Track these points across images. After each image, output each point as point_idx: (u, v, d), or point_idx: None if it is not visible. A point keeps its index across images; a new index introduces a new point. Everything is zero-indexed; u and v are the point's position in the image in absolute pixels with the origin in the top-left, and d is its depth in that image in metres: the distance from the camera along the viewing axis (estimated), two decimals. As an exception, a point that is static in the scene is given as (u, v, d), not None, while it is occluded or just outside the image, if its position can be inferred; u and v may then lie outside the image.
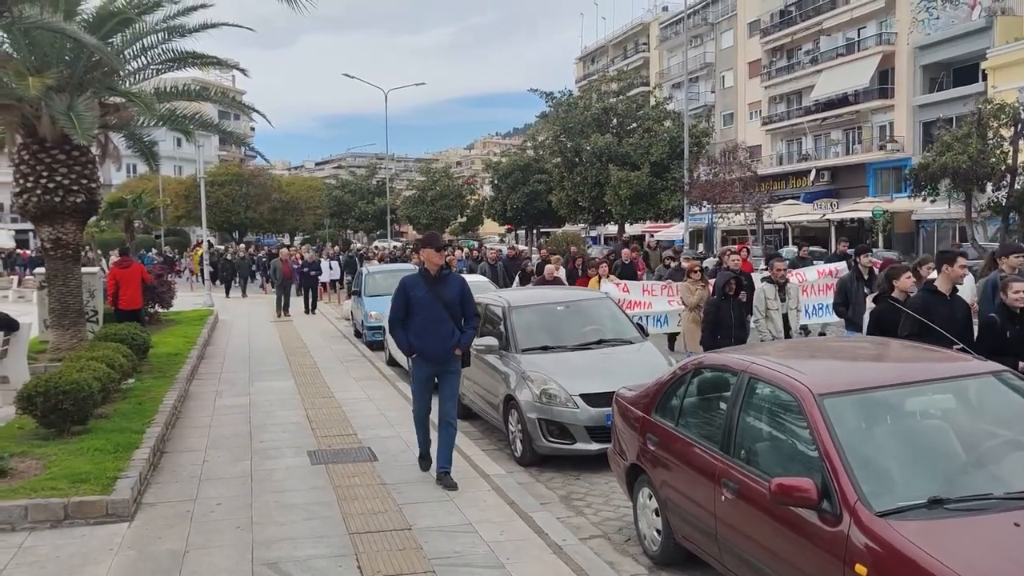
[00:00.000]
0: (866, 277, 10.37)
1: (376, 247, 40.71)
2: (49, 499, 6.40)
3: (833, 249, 36.82)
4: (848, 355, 5.60)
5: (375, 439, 9.11)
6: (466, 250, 27.30)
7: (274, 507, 6.88)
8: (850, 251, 16.83)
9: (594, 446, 8.00)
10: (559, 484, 7.84)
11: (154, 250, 47.08)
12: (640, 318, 13.10)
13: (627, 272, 17.43)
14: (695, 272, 12.15)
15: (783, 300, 10.29)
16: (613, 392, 6.94)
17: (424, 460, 7.84)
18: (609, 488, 7.52)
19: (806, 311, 13.45)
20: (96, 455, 7.57)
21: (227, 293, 31.77)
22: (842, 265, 13.93)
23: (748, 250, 19.37)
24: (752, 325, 10.69)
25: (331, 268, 28.79)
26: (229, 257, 34.58)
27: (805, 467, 4.34)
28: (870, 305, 8.79)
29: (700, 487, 5.12)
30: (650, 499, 5.87)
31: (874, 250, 34.56)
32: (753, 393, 4.98)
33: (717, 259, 17.55)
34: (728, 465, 4.87)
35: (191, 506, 6.94)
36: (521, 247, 33.65)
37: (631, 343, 9.43)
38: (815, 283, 13.53)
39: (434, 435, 7.77)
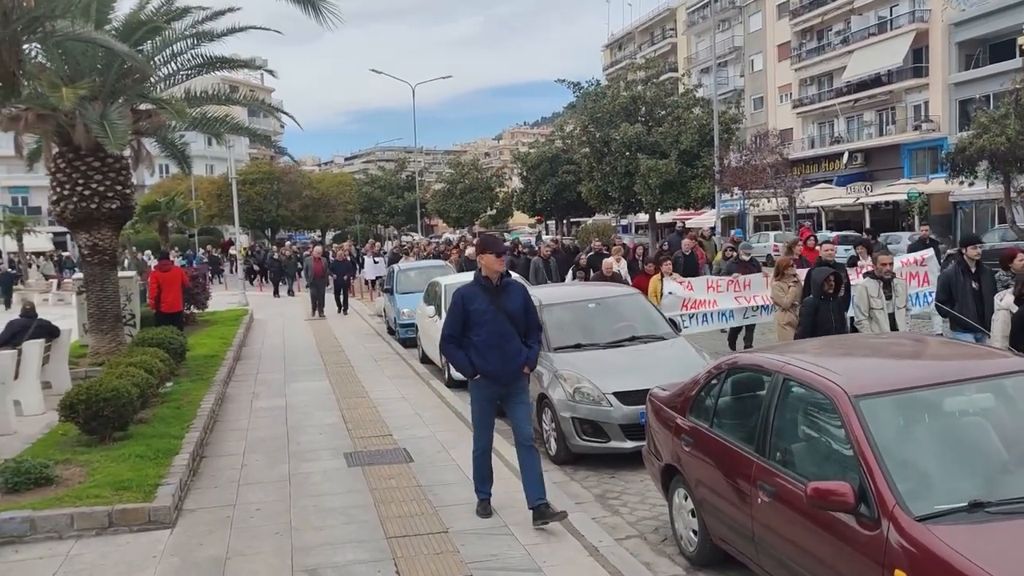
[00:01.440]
0: (973, 271, 9.33)
1: (452, 238, 39.50)
2: (94, 507, 6.53)
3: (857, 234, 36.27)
4: (884, 353, 5.52)
5: (410, 439, 9.17)
6: (507, 244, 26.56)
7: (312, 511, 6.96)
8: (934, 236, 15.78)
9: (628, 444, 7.99)
10: (594, 483, 7.84)
11: (201, 250, 47.64)
12: (706, 315, 12.66)
13: (690, 264, 16.50)
14: (789, 268, 11.10)
15: (889, 298, 9.22)
16: (647, 390, 6.93)
17: (485, 506, 6.69)
18: (644, 486, 7.51)
19: None
20: (137, 462, 7.70)
21: (275, 292, 31.38)
22: (929, 253, 13.09)
23: (815, 238, 17.44)
24: (855, 326, 9.64)
25: (375, 264, 27.88)
26: (276, 256, 34.03)
27: (842, 469, 4.30)
28: (999, 303, 7.87)
29: (736, 489, 5.10)
30: (686, 500, 5.85)
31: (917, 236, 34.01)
32: (787, 394, 4.94)
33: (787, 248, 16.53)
34: (764, 467, 4.83)
35: (231, 511, 7.04)
36: (566, 241, 32.23)
37: (664, 339, 9.39)
38: (899, 272, 12.38)
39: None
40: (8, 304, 29.67)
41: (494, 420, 6.70)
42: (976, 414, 4.54)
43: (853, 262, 14.01)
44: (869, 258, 13.55)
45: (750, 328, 13.75)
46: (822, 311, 8.85)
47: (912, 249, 14.83)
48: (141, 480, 7.12)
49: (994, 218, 35.30)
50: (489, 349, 6.37)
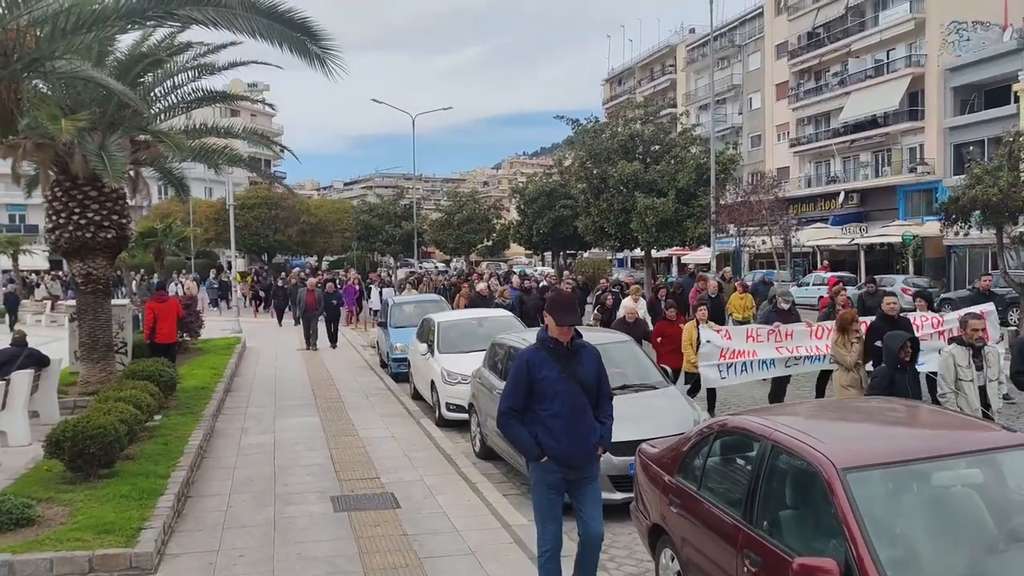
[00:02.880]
0: None
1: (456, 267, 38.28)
2: (74, 552, 6.44)
3: (861, 278, 36.39)
4: (875, 421, 5.49)
5: (398, 483, 9.10)
6: (516, 278, 23.64)
7: (296, 560, 6.88)
8: (1000, 290, 13.66)
9: (618, 495, 7.92)
10: (582, 534, 7.76)
11: (212, 272, 47.24)
12: (744, 365, 11.72)
13: (716, 307, 15.02)
14: (855, 323, 9.93)
15: (980, 368, 8.06)
16: (637, 440, 6.88)
17: None
18: (632, 539, 7.43)
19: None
20: (121, 502, 7.63)
21: (279, 321, 30.39)
22: (989, 307, 12.00)
23: (843, 284, 15.53)
24: (938, 399, 8.40)
25: (382, 295, 26.35)
26: (280, 283, 32.95)
27: (829, 542, 4.26)
28: None
29: (722, 554, 5.05)
30: (672, 560, 5.80)
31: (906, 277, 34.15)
32: (775, 461, 4.91)
33: (829, 299, 13.89)
34: (750, 535, 4.79)
35: (214, 557, 6.96)
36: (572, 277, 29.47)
37: (655, 388, 9.36)
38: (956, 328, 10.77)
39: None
40: (12, 326, 29.31)
41: (562, 512, 5.64)
42: (968, 491, 4.49)
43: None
44: (929, 312, 12.55)
45: (782, 383, 12.37)
46: (898, 382, 7.70)
47: (972, 301, 13.46)
48: (124, 523, 7.05)
49: (987, 263, 35.45)
50: (561, 426, 5.41)
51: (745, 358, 11.74)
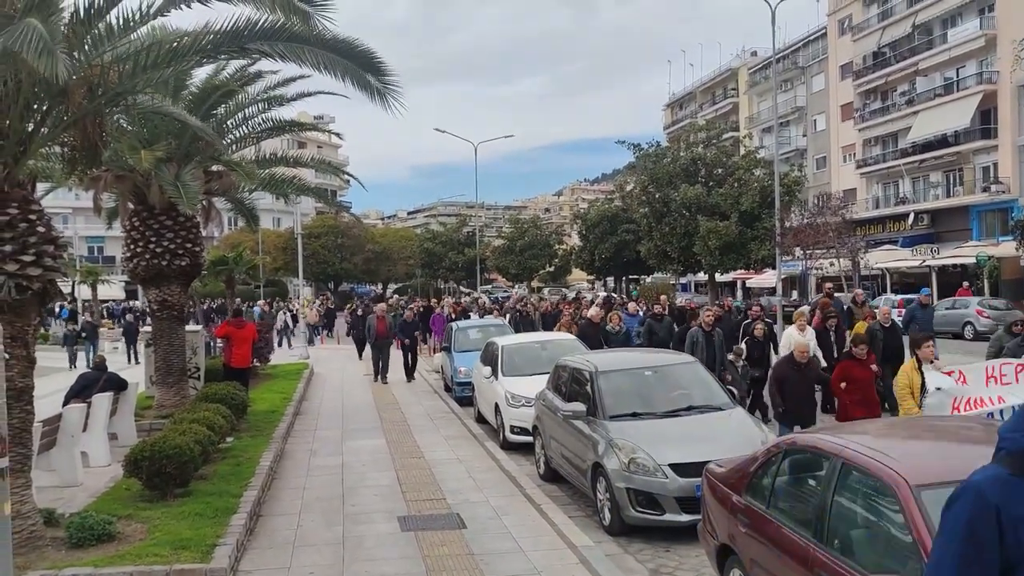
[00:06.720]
0: None
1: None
2: (152, 567, 6.64)
3: (933, 301, 35.35)
4: (949, 439, 5.37)
5: (464, 504, 9.16)
6: (632, 305, 20.74)
7: (365, 577, 6.98)
8: None
9: (684, 517, 7.85)
10: (648, 556, 7.70)
11: (316, 300, 47.93)
12: (996, 415, 8.68)
13: (891, 343, 12.59)
14: None
15: None
16: (704, 462, 6.83)
17: None
18: (700, 562, 7.34)
19: None
20: (196, 520, 7.85)
21: (360, 353, 27.25)
22: None
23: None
24: None
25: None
26: (360, 313, 30.75)
27: (903, 561, 4.18)
28: None
29: (792, 575, 4.97)
30: (741, 581, 5.72)
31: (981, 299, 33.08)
32: (847, 479, 4.83)
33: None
34: (821, 554, 4.72)
35: (285, 574, 7.10)
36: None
37: (721, 410, 9.26)
38: None
39: None
40: (134, 357, 28.93)
41: None
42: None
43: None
44: None
45: None
46: None
47: None
48: (199, 539, 7.24)
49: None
50: None
51: (989, 408, 8.85)
